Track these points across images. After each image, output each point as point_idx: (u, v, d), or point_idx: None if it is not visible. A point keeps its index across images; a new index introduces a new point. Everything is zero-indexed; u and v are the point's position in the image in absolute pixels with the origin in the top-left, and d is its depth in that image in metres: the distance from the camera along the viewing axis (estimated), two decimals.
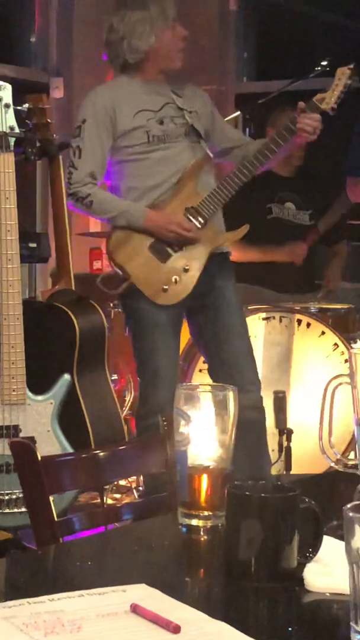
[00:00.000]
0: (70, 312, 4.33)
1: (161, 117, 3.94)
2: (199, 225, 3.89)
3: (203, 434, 1.70)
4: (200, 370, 4.87)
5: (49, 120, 4.67)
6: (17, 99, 3.91)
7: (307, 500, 1.47)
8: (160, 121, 3.93)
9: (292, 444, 4.64)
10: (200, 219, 3.88)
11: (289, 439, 4.63)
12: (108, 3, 6.16)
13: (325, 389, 1.92)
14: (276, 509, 1.45)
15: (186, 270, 3.90)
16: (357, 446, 1.76)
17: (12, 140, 3.76)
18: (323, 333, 4.85)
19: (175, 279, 3.91)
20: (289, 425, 4.66)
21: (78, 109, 5.99)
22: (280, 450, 4.55)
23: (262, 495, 1.49)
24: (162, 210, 3.92)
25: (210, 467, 1.68)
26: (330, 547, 1.43)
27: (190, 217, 3.88)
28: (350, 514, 1.25)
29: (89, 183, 3.91)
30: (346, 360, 4.76)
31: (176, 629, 1.24)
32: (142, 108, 3.93)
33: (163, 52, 3.96)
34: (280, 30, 5.94)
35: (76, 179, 3.91)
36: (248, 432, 3.86)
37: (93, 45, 6.19)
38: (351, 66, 3.81)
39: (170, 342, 3.97)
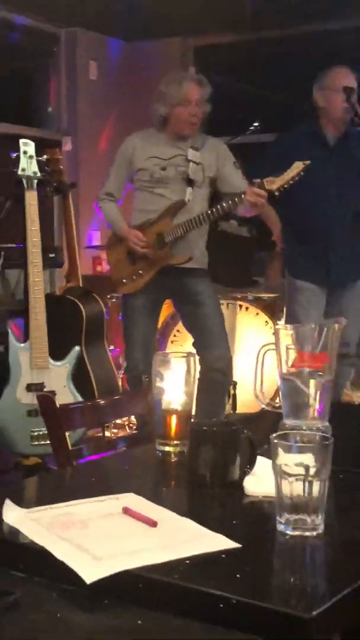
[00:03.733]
0: (79, 303, 4.35)
1: (166, 165, 3.85)
2: (162, 246, 3.84)
3: (173, 387, 1.70)
4: (172, 342, 4.89)
5: (61, 167, 4.66)
6: (38, 152, 3.89)
7: (245, 431, 1.48)
8: (164, 167, 3.85)
9: (237, 392, 4.65)
10: (164, 241, 3.84)
11: (235, 389, 4.64)
12: (105, 81, 6.20)
13: (258, 353, 1.93)
14: (223, 438, 1.46)
15: (140, 274, 3.90)
16: (280, 393, 1.76)
17: (35, 182, 3.76)
18: (257, 314, 4.87)
19: (132, 277, 3.92)
20: (235, 378, 4.68)
21: (82, 158, 6.03)
22: (229, 397, 4.55)
23: (214, 429, 1.50)
24: (147, 229, 3.90)
25: (178, 410, 1.68)
26: (262, 464, 1.44)
27: (158, 239, 3.84)
28: (275, 441, 1.26)
29: (105, 199, 3.98)
30: (273, 333, 4.79)
31: (154, 524, 1.24)
32: (153, 155, 3.86)
33: (174, 121, 3.85)
34: (222, 99, 5.90)
35: (100, 194, 4.01)
36: (215, 387, 3.89)
37: (92, 113, 6.19)
38: (307, 162, 3.53)
39: (145, 320, 3.96)
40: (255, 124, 4.85)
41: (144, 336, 3.96)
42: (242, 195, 3.61)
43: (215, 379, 3.85)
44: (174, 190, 3.85)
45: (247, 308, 4.88)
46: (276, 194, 3.60)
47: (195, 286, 3.91)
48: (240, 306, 4.88)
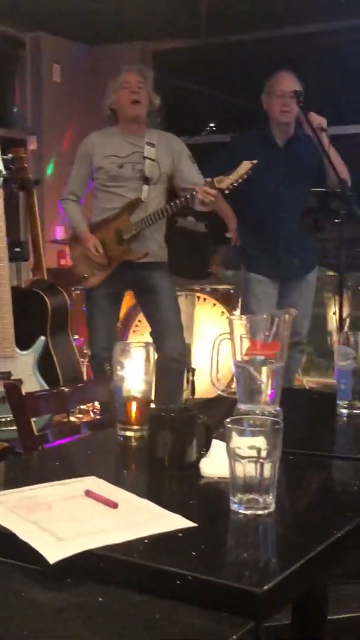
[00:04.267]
0: (44, 295, 4.32)
1: (123, 162, 3.82)
2: (120, 242, 3.83)
3: (133, 375, 1.69)
4: (134, 332, 4.89)
5: (25, 165, 4.61)
6: (4, 151, 3.84)
7: (201, 417, 1.48)
8: (121, 165, 3.82)
9: (195, 379, 4.66)
10: (122, 238, 3.82)
11: (193, 375, 4.66)
12: (68, 84, 6.16)
13: (213, 342, 1.93)
14: (181, 423, 1.46)
15: (100, 270, 3.89)
16: (235, 379, 1.77)
17: (0, 180, 3.72)
18: (214, 305, 4.88)
19: (93, 272, 3.93)
20: (193, 365, 4.69)
21: (46, 156, 6.00)
22: (187, 382, 4.57)
23: (172, 414, 1.50)
24: (106, 226, 3.87)
25: (138, 397, 1.67)
26: (217, 447, 1.44)
27: (121, 233, 3.83)
28: (229, 425, 1.26)
29: (67, 199, 3.96)
30: (228, 323, 4.81)
31: (115, 505, 1.24)
32: (110, 154, 3.83)
33: (119, 107, 3.85)
34: (179, 101, 5.89)
35: (64, 194, 4.00)
36: (171, 374, 3.90)
37: (56, 113, 6.15)
38: (254, 162, 3.55)
39: (107, 310, 3.96)
40: (211, 125, 4.85)
41: (107, 325, 3.96)
42: (194, 193, 3.60)
43: (171, 367, 3.86)
44: (131, 188, 3.83)
45: (204, 299, 4.90)
46: (226, 192, 3.60)
47: (152, 279, 3.90)
48: (198, 297, 4.89)
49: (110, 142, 3.87)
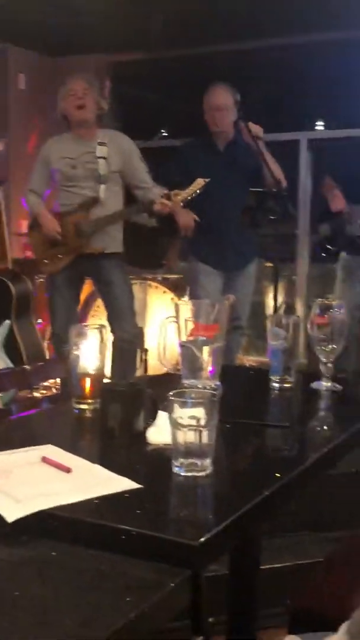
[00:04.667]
0: (9, 282, 4.28)
1: (76, 163, 3.79)
2: (80, 235, 3.80)
3: (88, 354, 1.68)
4: (92, 316, 4.86)
5: None
6: None
7: (148, 390, 1.48)
8: (74, 166, 3.79)
9: (148, 358, 4.66)
10: (82, 232, 3.79)
11: (146, 354, 4.66)
12: (33, 91, 6.07)
13: (161, 325, 1.93)
14: (129, 397, 1.46)
15: (60, 258, 3.86)
16: (180, 358, 1.77)
17: None
18: (165, 292, 4.88)
19: (52, 260, 3.89)
20: (146, 346, 4.69)
21: (13, 157, 5.91)
22: (141, 362, 4.56)
23: (122, 389, 1.49)
24: (65, 218, 3.83)
25: (92, 374, 1.66)
26: (162, 417, 1.44)
27: (80, 227, 3.80)
28: (172, 397, 1.26)
29: (29, 193, 3.95)
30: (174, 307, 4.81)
31: (68, 470, 1.23)
32: (64, 155, 3.81)
33: (68, 113, 3.82)
34: (134, 109, 5.86)
35: (27, 190, 3.98)
36: (124, 354, 3.89)
37: (22, 118, 6.07)
38: (207, 180, 3.60)
39: (66, 294, 3.93)
40: (162, 131, 4.85)
41: (66, 308, 3.94)
42: (153, 204, 3.65)
43: (123, 347, 3.86)
44: (85, 186, 3.80)
45: (156, 287, 4.89)
46: (181, 204, 3.64)
47: (108, 269, 3.88)
48: (150, 285, 4.89)
49: (63, 145, 3.85)
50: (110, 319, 3.90)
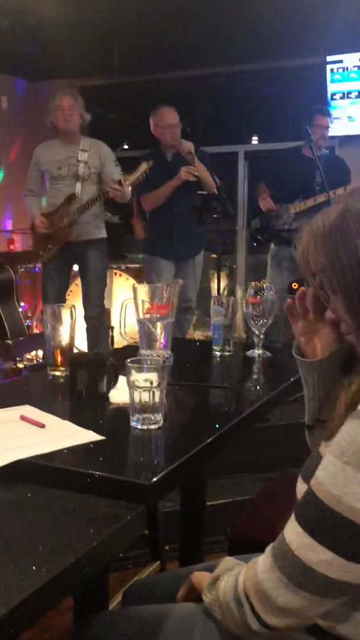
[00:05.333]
0: None
1: (61, 165, 3.76)
2: (61, 226, 3.75)
3: (59, 330, 1.66)
4: (68, 295, 4.75)
5: None
6: None
7: (110, 359, 1.47)
8: (59, 167, 3.76)
9: (114, 334, 4.63)
10: (63, 223, 3.74)
11: (112, 331, 4.62)
12: (14, 111, 5.94)
13: (121, 305, 1.92)
14: (94, 364, 1.44)
15: (50, 249, 3.81)
16: (138, 332, 1.76)
17: None
18: (127, 279, 4.83)
19: (45, 251, 3.82)
20: (112, 324, 4.65)
21: None
22: (107, 337, 4.53)
23: (87, 358, 1.48)
24: (53, 214, 3.79)
25: (63, 346, 1.64)
26: (123, 381, 1.43)
27: (59, 221, 3.74)
28: (129, 364, 1.25)
29: (28, 194, 3.89)
30: (132, 290, 4.78)
31: (42, 425, 1.22)
32: (51, 159, 3.78)
33: (57, 124, 3.77)
34: (100, 127, 5.76)
35: (26, 190, 3.90)
36: (92, 330, 3.85)
37: (4, 133, 5.93)
38: (150, 162, 3.59)
39: (55, 281, 3.86)
40: (124, 145, 4.79)
41: (57, 291, 3.88)
42: (108, 190, 3.60)
43: (92, 324, 3.85)
44: (68, 185, 3.77)
45: (120, 274, 4.84)
46: (130, 187, 3.59)
47: (86, 255, 3.83)
48: (115, 273, 4.83)
49: (51, 150, 3.83)
50: (83, 299, 3.89)
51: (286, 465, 2.82)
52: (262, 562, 0.89)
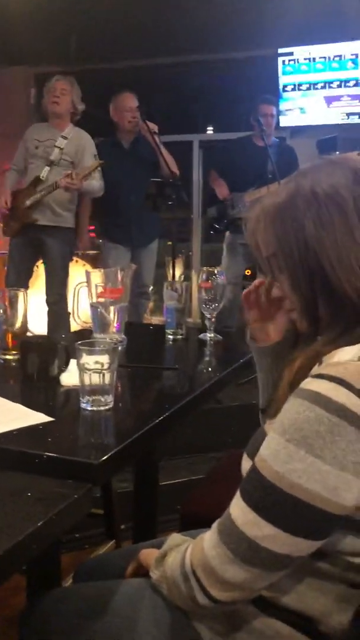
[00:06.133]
0: None
1: (38, 145, 3.70)
2: (22, 207, 3.68)
3: (11, 314, 1.63)
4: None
5: None
6: None
7: (63, 343, 1.44)
8: (36, 147, 3.70)
9: (70, 319, 4.58)
10: (25, 203, 3.68)
11: (68, 316, 4.57)
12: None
13: (74, 290, 1.89)
14: (45, 347, 1.41)
15: (13, 225, 3.75)
16: (91, 316, 1.74)
17: None
18: (84, 265, 4.78)
19: (9, 225, 3.77)
20: (69, 310, 4.60)
21: None
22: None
23: (39, 341, 1.45)
24: (20, 193, 3.73)
25: (15, 330, 1.61)
26: (73, 364, 1.41)
27: (22, 201, 3.69)
28: (80, 347, 1.23)
29: (11, 168, 3.84)
30: (85, 274, 4.74)
31: None
32: (35, 138, 3.73)
33: (47, 106, 3.74)
34: None
35: (11, 167, 3.86)
36: (51, 315, 3.81)
37: None
38: (101, 162, 3.57)
39: (16, 259, 3.79)
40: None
41: (17, 272, 3.79)
42: (59, 180, 3.55)
43: (50, 309, 3.80)
44: (38, 166, 3.71)
45: (77, 261, 4.78)
46: (82, 181, 3.54)
47: (47, 240, 3.74)
48: (73, 259, 4.77)
49: (37, 130, 3.80)
50: (45, 285, 3.83)
51: (238, 446, 2.84)
52: (209, 538, 0.89)
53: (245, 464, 0.95)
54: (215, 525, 0.90)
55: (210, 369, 1.67)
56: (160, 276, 4.85)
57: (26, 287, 3.97)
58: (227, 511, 0.88)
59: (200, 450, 2.84)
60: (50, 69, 5.79)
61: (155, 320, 5.04)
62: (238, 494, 0.87)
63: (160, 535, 1.98)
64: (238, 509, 0.86)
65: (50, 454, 0.99)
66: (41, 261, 3.93)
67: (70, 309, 4.59)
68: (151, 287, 4.30)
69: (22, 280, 3.80)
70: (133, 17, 4.59)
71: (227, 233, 4.28)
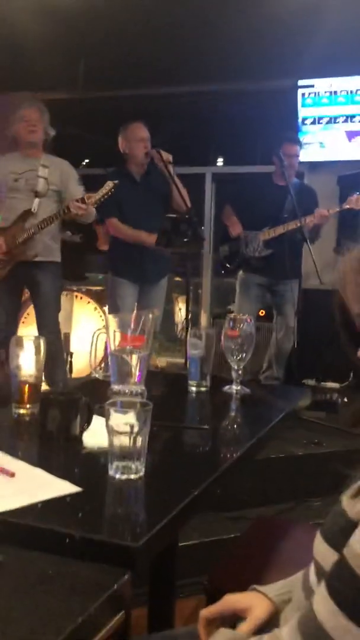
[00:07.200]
0: None
1: (18, 177, 3.65)
2: (15, 244, 3.63)
3: (26, 363, 1.58)
4: (23, 322, 4.67)
5: None
6: None
7: (84, 398, 1.39)
8: (15, 180, 3.65)
9: (73, 360, 4.53)
10: (17, 240, 3.63)
11: (71, 357, 4.53)
12: None
13: (92, 336, 1.85)
14: (67, 403, 1.37)
15: (3, 267, 3.69)
16: (110, 366, 1.70)
17: None
18: (88, 302, 4.76)
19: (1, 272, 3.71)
20: (71, 350, 4.56)
21: None
22: (65, 363, 4.42)
23: (60, 396, 1.40)
24: (6, 231, 3.66)
25: (30, 381, 1.56)
26: (97, 422, 1.36)
27: (17, 237, 3.63)
28: (109, 407, 1.19)
29: None
30: (101, 316, 4.70)
31: (12, 474, 1.14)
32: (10, 170, 3.67)
33: (19, 136, 3.70)
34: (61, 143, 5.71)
35: None
36: (52, 355, 3.75)
37: None
38: (116, 182, 3.43)
39: (7, 298, 3.73)
40: (85, 161, 4.73)
41: (7, 314, 3.74)
42: (69, 206, 3.49)
43: (52, 349, 3.72)
44: (23, 199, 3.65)
45: (80, 297, 4.77)
46: (94, 205, 3.48)
47: (38, 276, 3.70)
48: (76, 296, 4.76)
49: (10, 162, 3.72)
50: (37, 323, 3.76)
51: (251, 504, 2.77)
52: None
53: (321, 548, 0.88)
54: (295, 625, 0.82)
55: (244, 429, 1.61)
56: (167, 313, 4.83)
57: (16, 327, 3.93)
58: (309, 609, 0.80)
59: (212, 509, 2.76)
60: (56, 95, 5.89)
61: (162, 362, 4.99)
62: (324, 589, 0.79)
63: (178, 602, 1.90)
64: (326, 610, 0.78)
65: (82, 535, 0.93)
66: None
67: (70, 350, 4.56)
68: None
69: (11, 322, 3.75)
70: (145, 45, 4.65)
71: (241, 272, 4.27)
